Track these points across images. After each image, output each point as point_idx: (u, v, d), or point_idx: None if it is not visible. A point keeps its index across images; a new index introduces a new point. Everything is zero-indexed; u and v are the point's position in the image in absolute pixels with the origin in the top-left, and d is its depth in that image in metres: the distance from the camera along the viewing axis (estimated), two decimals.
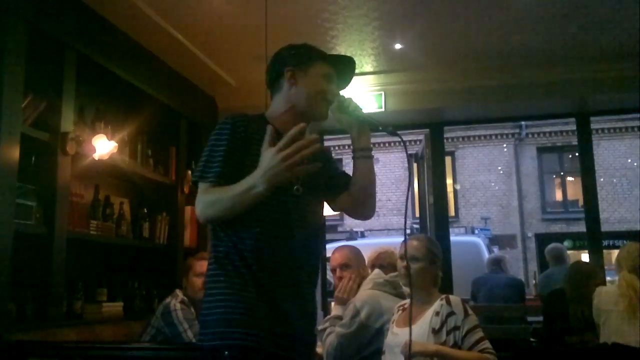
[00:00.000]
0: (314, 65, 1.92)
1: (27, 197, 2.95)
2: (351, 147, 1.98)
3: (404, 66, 4.68)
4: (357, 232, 12.40)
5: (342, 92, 1.97)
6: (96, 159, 3.45)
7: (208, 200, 1.72)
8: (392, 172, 16.00)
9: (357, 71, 4.98)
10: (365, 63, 4.59)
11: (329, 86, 1.92)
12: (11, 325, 2.75)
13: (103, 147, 3.47)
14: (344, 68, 1.99)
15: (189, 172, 4.51)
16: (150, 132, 4.27)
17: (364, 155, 1.96)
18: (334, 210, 2.15)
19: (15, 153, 2.80)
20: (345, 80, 2.03)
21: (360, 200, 1.98)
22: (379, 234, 14.05)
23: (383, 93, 4.95)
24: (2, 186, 2.71)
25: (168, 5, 3.56)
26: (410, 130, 8.13)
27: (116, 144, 3.59)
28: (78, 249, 3.37)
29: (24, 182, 2.93)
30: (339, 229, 14.73)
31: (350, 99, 1.91)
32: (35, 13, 3.01)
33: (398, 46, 4.28)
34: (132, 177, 4.10)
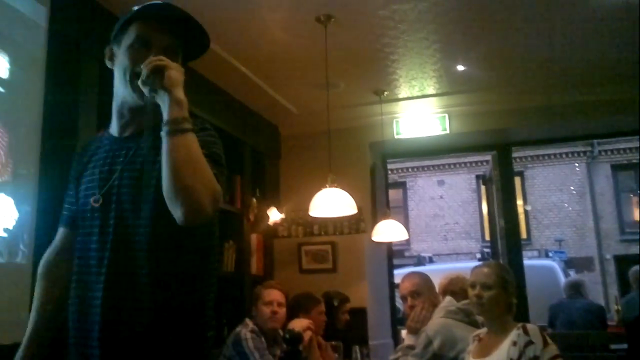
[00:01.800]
0: (126, 34, 1.49)
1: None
2: None
3: (467, 87, 4.59)
4: (424, 257, 12.18)
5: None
6: None
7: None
8: (458, 194, 15.72)
9: (419, 94, 4.93)
10: (427, 86, 4.53)
11: (140, 55, 1.42)
12: None
13: None
14: (165, 24, 1.47)
15: (254, 200, 4.55)
16: None
17: (161, 133, 1.33)
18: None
19: None
20: (195, 44, 1.55)
21: (165, 195, 1.31)
22: (447, 259, 13.77)
23: (447, 115, 4.87)
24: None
25: (230, 38, 3.63)
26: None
27: None
28: None
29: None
30: (406, 254, 14.52)
31: (149, 61, 1.36)
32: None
33: (460, 68, 4.21)
34: None
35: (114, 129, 1.55)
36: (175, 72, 1.37)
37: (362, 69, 4.19)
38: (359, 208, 3.59)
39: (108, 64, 1.54)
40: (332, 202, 3.40)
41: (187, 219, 1.30)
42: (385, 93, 4.58)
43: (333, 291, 4.01)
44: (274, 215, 4.70)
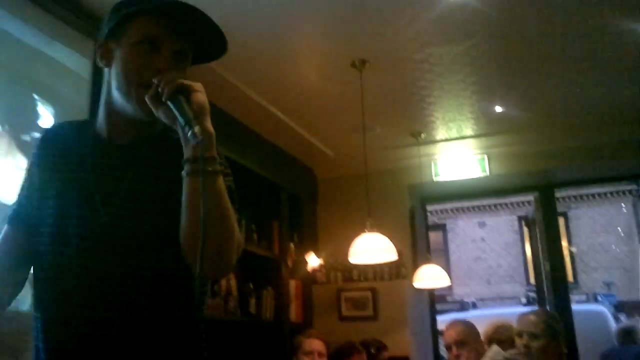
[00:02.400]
0: (129, 28, 1.21)
1: None
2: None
3: (506, 128, 4.53)
4: (467, 302, 11.89)
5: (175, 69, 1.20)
6: None
7: None
8: (500, 236, 15.39)
9: (457, 135, 4.89)
10: (465, 127, 4.49)
11: (146, 60, 1.19)
12: None
13: None
14: (174, 21, 1.21)
15: (292, 245, 4.52)
16: (253, 207, 4.36)
17: (188, 171, 1.13)
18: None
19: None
20: (205, 47, 1.27)
21: (187, 246, 1.13)
22: (491, 304, 13.40)
23: (486, 156, 4.81)
24: None
25: (265, 84, 3.68)
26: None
27: None
28: None
29: None
30: (448, 298, 14.20)
31: (170, 78, 1.12)
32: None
33: (498, 109, 4.17)
34: None
35: (100, 130, 1.28)
36: (203, 96, 1.13)
37: (398, 112, 4.19)
38: (399, 253, 3.53)
39: (100, 62, 1.26)
40: (372, 248, 3.36)
41: (212, 274, 1.18)
42: (423, 135, 4.55)
43: (371, 339, 3.92)
44: (313, 261, 4.66)
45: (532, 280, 12.34)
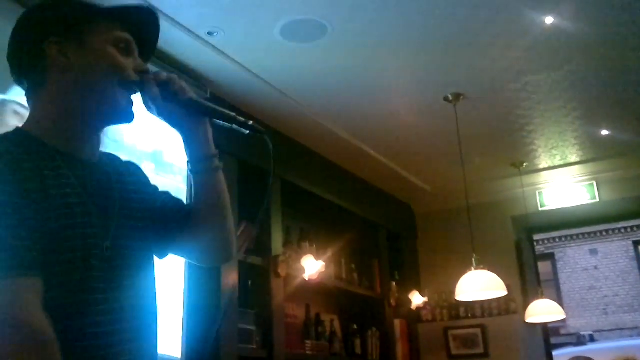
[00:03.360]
0: (93, 28, 1.13)
1: (247, 321, 3.11)
2: (187, 158, 1.20)
3: (614, 152, 4.31)
4: (584, 335, 11.19)
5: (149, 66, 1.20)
6: (306, 279, 3.57)
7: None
8: (615, 263, 14.43)
9: (561, 162, 4.71)
10: (569, 154, 4.31)
11: (126, 61, 1.14)
12: None
13: (311, 266, 3.59)
14: (143, 26, 1.20)
15: (394, 284, 4.47)
16: (352, 247, 4.36)
17: (212, 167, 1.20)
18: (183, 256, 1.37)
19: (234, 279, 3.00)
20: (147, 46, 1.22)
21: (213, 236, 1.23)
22: (610, 335, 12.53)
23: (595, 182, 4.58)
24: (227, 311, 2.89)
25: (360, 124, 3.72)
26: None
27: (323, 263, 3.70)
28: None
29: (243, 307, 3.11)
30: (562, 331, 13.42)
31: (172, 76, 1.16)
32: (243, 150, 3.31)
33: (604, 132, 3.97)
34: (340, 293, 4.16)
35: (75, 148, 1.12)
36: (196, 97, 1.17)
37: (497, 142, 4.09)
38: (507, 287, 3.40)
39: (56, 62, 1.10)
40: (479, 285, 3.26)
41: (228, 259, 1.30)
42: (525, 164, 4.41)
43: None
44: (417, 299, 4.57)
45: None
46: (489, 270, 3.27)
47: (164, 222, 1.21)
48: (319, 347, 3.73)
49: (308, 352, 3.62)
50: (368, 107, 3.52)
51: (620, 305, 14.02)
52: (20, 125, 1.13)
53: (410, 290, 4.58)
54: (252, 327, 3.13)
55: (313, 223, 4.26)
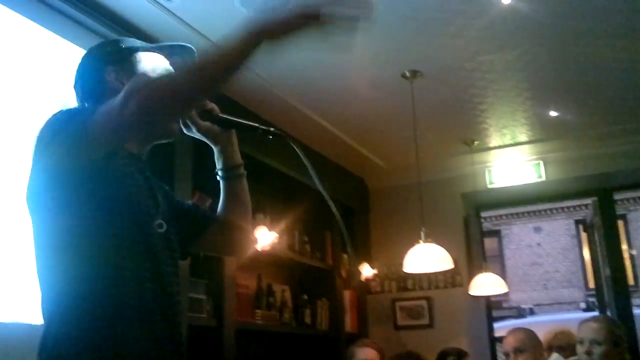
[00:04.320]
0: (140, 58, 1.41)
1: (198, 291, 3.12)
2: (219, 165, 1.52)
3: (561, 133, 4.45)
4: (525, 308, 11.64)
5: None
6: (259, 249, 3.59)
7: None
8: (557, 240, 15.02)
9: (511, 142, 4.83)
10: (519, 133, 4.43)
11: None
12: None
13: (264, 237, 3.61)
14: (179, 57, 1.50)
15: (345, 256, 4.54)
16: (306, 219, 4.39)
17: (239, 174, 1.53)
18: (206, 251, 1.70)
19: None
20: None
21: (239, 232, 1.54)
22: (549, 309, 13.08)
23: (542, 162, 4.72)
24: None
25: (316, 96, 3.73)
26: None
27: (277, 235, 3.73)
28: (245, 338, 3.47)
29: (195, 276, 3.11)
30: (504, 305, 13.92)
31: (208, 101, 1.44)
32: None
33: (553, 113, 4.09)
34: (291, 264, 4.20)
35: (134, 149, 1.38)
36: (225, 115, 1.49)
37: (450, 120, 4.16)
38: (454, 261, 3.51)
39: (113, 86, 1.33)
40: (427, 258, 3.35)
41: (247, 253, 1.62)
42: (476, 143, 4.51)
43: (450, 348, 3.89)
44: (366, 271, 4.66)
45: (591, 284, 12.00)
46: (437, 244, 3.37)
47: (191, 221, 1.48)
48: (269, 316, 3.78)
49: (258, 322, 3.66)
50: (326, 81, 3.53)
51: (560, 280, 14.64)
52: None
53: (361, 263, 4.66)
54: (203, 297, 3.14)
55: (268, 195, 4.26)
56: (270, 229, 3.71)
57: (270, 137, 1.46)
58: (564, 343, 3.16)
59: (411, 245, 3.40)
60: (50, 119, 1.22)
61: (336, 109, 3.89)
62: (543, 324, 5.12)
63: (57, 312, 1.17)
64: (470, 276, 4.44)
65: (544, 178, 4.72)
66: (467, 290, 4.39)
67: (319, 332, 4.22)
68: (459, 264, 4.41)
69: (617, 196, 5.04)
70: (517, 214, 15.04)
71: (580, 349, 2.42)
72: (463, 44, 3.13)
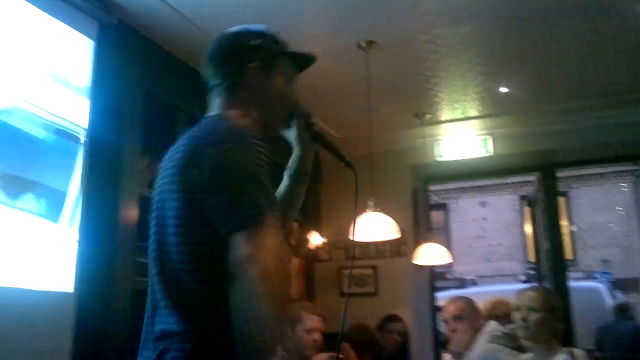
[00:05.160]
0: (279, 62, 1.54)
1: (144, 255, 3.08)
2: (294, 166, 1.65)
3: (510, 109, 4.55)
4: (467, 279, 11.99)
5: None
6: None
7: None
8: (501, 215, 15.44)
9: (462, 116, 4.90)
10: (469, 108, 4.51)
11: (292, 92, 1.58)
12: None
13: None
14: (300, 69, 1.63)
15: (295, 223, 4.56)
16: None
17: (307, 180, 1.69)
18: None
19: (134, 213, 2.95)
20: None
21: (287, 224, 1.74)
22: (490, 281, 13.49)
23: (490, 137, 4.83)
24: (123, 245, 2.85)
25: None
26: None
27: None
28: None
29: (142, 240, 3.07)
30: (448, 276, 14.31)
31: (310, 112, 1.62)
32: (151, 81, 3.21)
33: (503, 89, 4.18)
34: None
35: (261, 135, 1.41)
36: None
37: (403, 93, 4.19)
38: (400, 231, 3.57)
39: (250, 80, 1.47)
40: (374, 227, 3.39)
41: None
42: (427, 116, 4.56)
43: (391, 315, 3.97)
44: (315, 239, 4.70)
45: (531, 258, 12.45)
46: (385, 214, 3.41)
47: None
48: None
49: None
50: None
51: (502, 253, 15.11)
52: None
53: (310, 231, 4.70)
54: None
55: None
56: None
57: (344, 165, 1.66)
58: (502, 312, 3.27)
59: (360, 214, 3.44)
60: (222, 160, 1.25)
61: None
62: (483, 294, 5.29)
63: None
64: (417, 247, 4.53)
65: (491, 153, 4.83)
66: (412, 260, 4.49)
67: None
68: (405, 235, 4.49)
69: (560, 174, 5.20)
70: (464, 188, 15.37)
71: (517, 315, 2.51)
72: (419, 16, 3.14)
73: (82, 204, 2.69)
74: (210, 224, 1.23)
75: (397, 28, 3.30)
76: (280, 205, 1.51)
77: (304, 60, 1.62)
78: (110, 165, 2.91)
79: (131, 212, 2.93)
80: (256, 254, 1.16)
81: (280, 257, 1.22)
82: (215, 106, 1.51)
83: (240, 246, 1.17)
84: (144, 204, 3.04)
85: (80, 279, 2.63)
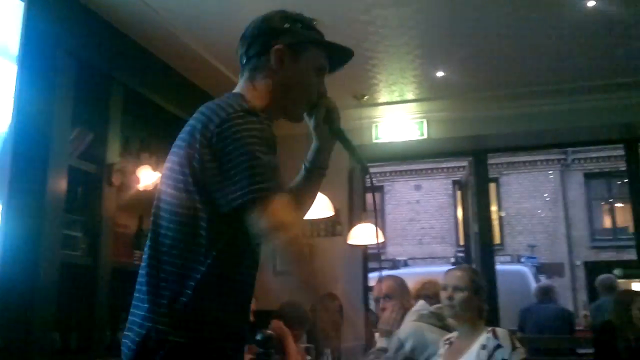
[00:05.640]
0: (308, 50, 1.53)
1: (73, 228, 3.01)
2: (309, 158, 1.67)
3: (446, 94, 4.65)
4: (399, 260, 12.25)
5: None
6: (141, 189, 3.50)
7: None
8: (434, 199, 15.82)
9: (399, 99, 4.96)
10: (406, 91, 4.57)
11: (318, 83, 1.56)
12: (55, 356, 2.78)
13: (147, 177, 3.52)
14: (337, 62, 1.61)
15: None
16: None
17: (322, 174, 1.70)
18: None
19: (62, 184, 2.86)
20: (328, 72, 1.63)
21: (303, 215, 1.78)
22: (422, 263, 13.84)
23: (425, 121, 4.92)
24: (50, 217, 2.76)
25: (212, 38, 3.63)
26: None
27: (160, 174, 3.63)
28: (122, 279, 3.40)
29: (70, 213, 2.99)
30: (382, 257, 14.58)
31: (336, 109, 1.61)
32: (83, 49, 3.10)
33: (440, 74, 4.25)
34: None
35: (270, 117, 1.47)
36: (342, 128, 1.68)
37: (342, 73, 4.09)
38: (335, 211, 3.61)
39: (274, 61, 1.49)
40: None
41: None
42: (365, 97, 4.60)
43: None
44: None
45: (462, 241, 12.83)
46: (320, 193, 3.44)
47: None
48: (127, 254, 3.70)
49: (136, 262, 3.59)
50: (224, 24, 3.43)
51: (434, 236, 15.51)
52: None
53: None
54: (78, 234, 3.03)
55: (156, 135, 4.13)
56: (154, 169, 3.62)
57: (360, 167, 1.70)
58: (431, 292, 3.35)
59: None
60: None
61: (233, 54, 3.79)
62: (414, 275, 5.42)
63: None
64: (351, 227, 4.59)
65: (425, 136, 4.92)
66: (346, 239, 4.54)
67: None
68: (340, 215, 4.55)
69: (491, 160, 5.37)
70: (400, 171, 15.66)
71: (443, 294, 2.57)
72: None
73: (9, 173, 2.59)
74: (200, 200, 1.31)
75: (338, 7, 3.30)
76: (294, 196, 1.60)
77: (339, 52, 1.58)
78: (38, 133, 2.80)
79: (60, 183, 2.84)
80: (274, 226, 1.27)
81: (293, 220, 1.33)
82: (238, 85, 1.55)
83: (257, 222, 1.26)
84: (74, 175, 2.97)
85: (5, 251, 2.54)
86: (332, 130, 1.59)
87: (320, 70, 1.54)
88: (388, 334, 2.97)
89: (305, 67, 1.51)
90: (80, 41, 3.09)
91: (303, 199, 1.67)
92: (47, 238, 2.74)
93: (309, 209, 1.74)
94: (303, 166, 1.68)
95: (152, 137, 4.04)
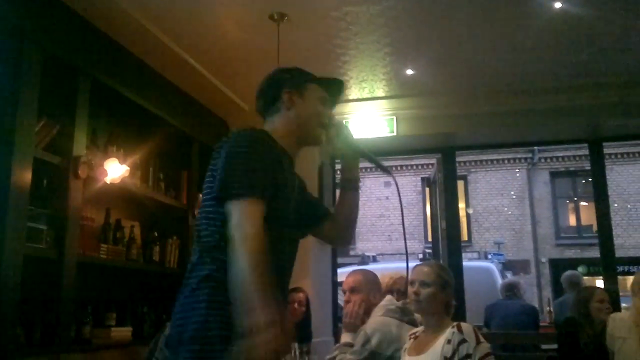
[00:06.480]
0: (309, 87, 1.89)
1: (38, 221, 2.96)
2: (340, 176, 1.98)
3: (415, 91, 4.69)
4: (369, 256, 12.31)
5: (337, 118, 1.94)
6: (108, 182, 3.46)
7: (257, 242, 1.49)
8: (404, 195, 15.92)
9: (369, 95, 4.99)
10: (376, 88, 4.60)
11: (324, 110, 1.89)
12: (19, 350, 2.74)
13: (115, 170, 3.49)
14: (334, 91, 1.97)
15: (201, 195, 4.50)
16: (162, 156, 4.29)
17: (354, 187, 1.98)
18: (315, 237, 2.05)
19: (27, 176, 2.81)
20: (334, 104, 1.99)
21: (344, 230, 2.02)
22: (390, 258, 13.94)
23: (395, 118, 4.95)
24: (14, 209, 2.71)
25: (181, 31, 3.60)
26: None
27: (128, 168, 3.61)
28: (88, 272, 3.37)
29: (35, 205, 2.94)
30: (351, 252, 14.65)
31: (346, 126, 1.96)
32: (50, 39, 3.05)
33: (410, 72, 4.29)
34: (143, 200, 4.10)
35: (284, 146, 1.79)
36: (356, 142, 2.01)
37: (313, 69, 4.10)
38: None
39: (286, 104, 1.83)
40: None
41: (349, 245, 2.04)
42: None
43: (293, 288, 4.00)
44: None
45: (430, 238, 12.96)
46: None
47: (312, 213, 1.96)
48: (116, 251, 3.68)
49: (103, 256, 3.55)
50: (194, 18, 3.42)
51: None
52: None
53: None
54: (43, 227, 2.98)
55: (124, 128, 4.09)
56: (122, 162, 3.59)
57: (383, 172, 2.01)
58: (403, 287, 3.37)
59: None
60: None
61: (202, 45, 3.79)
62: (382, 270, 5.45)
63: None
64: None
65: (395, 133, 4.96)
66: None
67: (168, 270, 4.19)
68: None
69: (460, 158, 5.44)
70: (370, 168, 15.71)
71: (410, 289, 2.59)
72: None
73: None
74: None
75: (309, 3, 3.31)
76: (337, 214, 1.97)
77: (330, 83, 1.94)
78: (2, 124, 2.75)
79: (24, 175, 2.79)
80: (240, 222, 1.52)
81: (258, 226, 1.53)
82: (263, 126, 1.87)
83: (232, 214, 1.54)
84: (39, 167, 2.92)
85: None
86: (346, 144, 1.91)
87: (323, 99, 1.88)
88: (353, 328, 2.97)
89: (310, 100, 1.85)
90: (47, 32, 3.04)
91: (346, 215, 1.97)
92: (11, 231, 2.69)
93: (353, 223, 2.01)
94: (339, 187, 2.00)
95: (120, 130, 3.99)
